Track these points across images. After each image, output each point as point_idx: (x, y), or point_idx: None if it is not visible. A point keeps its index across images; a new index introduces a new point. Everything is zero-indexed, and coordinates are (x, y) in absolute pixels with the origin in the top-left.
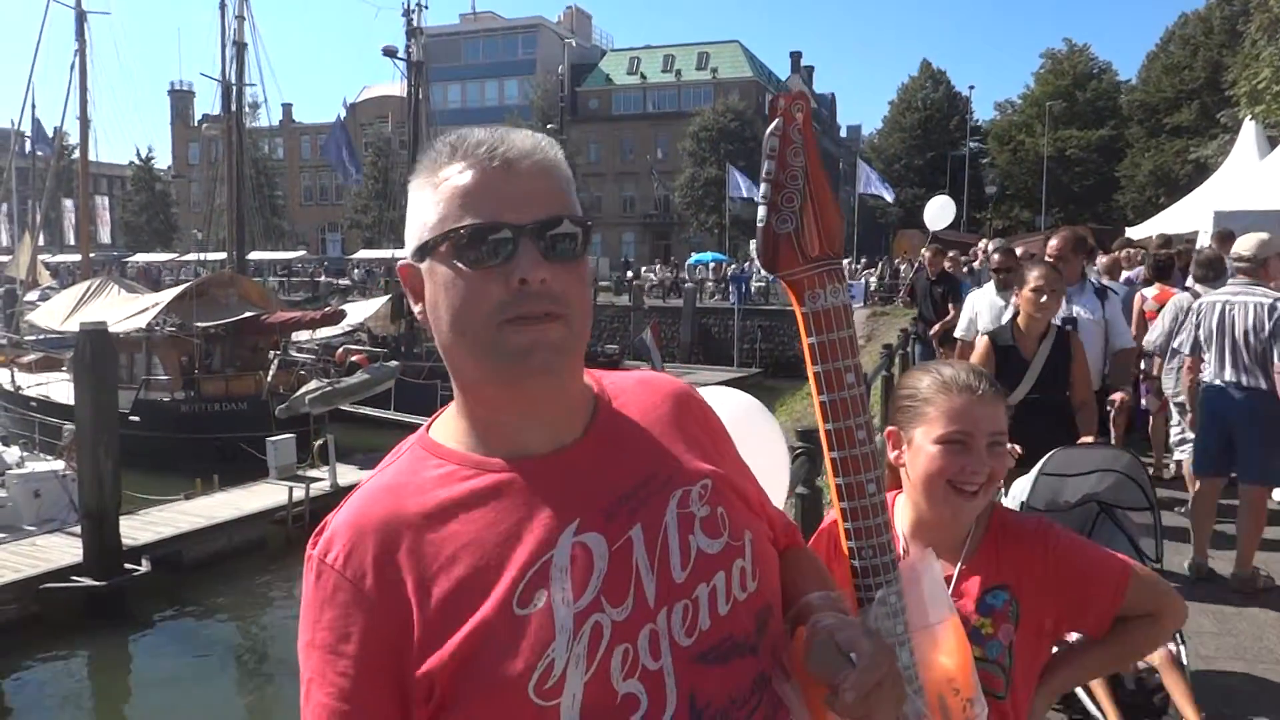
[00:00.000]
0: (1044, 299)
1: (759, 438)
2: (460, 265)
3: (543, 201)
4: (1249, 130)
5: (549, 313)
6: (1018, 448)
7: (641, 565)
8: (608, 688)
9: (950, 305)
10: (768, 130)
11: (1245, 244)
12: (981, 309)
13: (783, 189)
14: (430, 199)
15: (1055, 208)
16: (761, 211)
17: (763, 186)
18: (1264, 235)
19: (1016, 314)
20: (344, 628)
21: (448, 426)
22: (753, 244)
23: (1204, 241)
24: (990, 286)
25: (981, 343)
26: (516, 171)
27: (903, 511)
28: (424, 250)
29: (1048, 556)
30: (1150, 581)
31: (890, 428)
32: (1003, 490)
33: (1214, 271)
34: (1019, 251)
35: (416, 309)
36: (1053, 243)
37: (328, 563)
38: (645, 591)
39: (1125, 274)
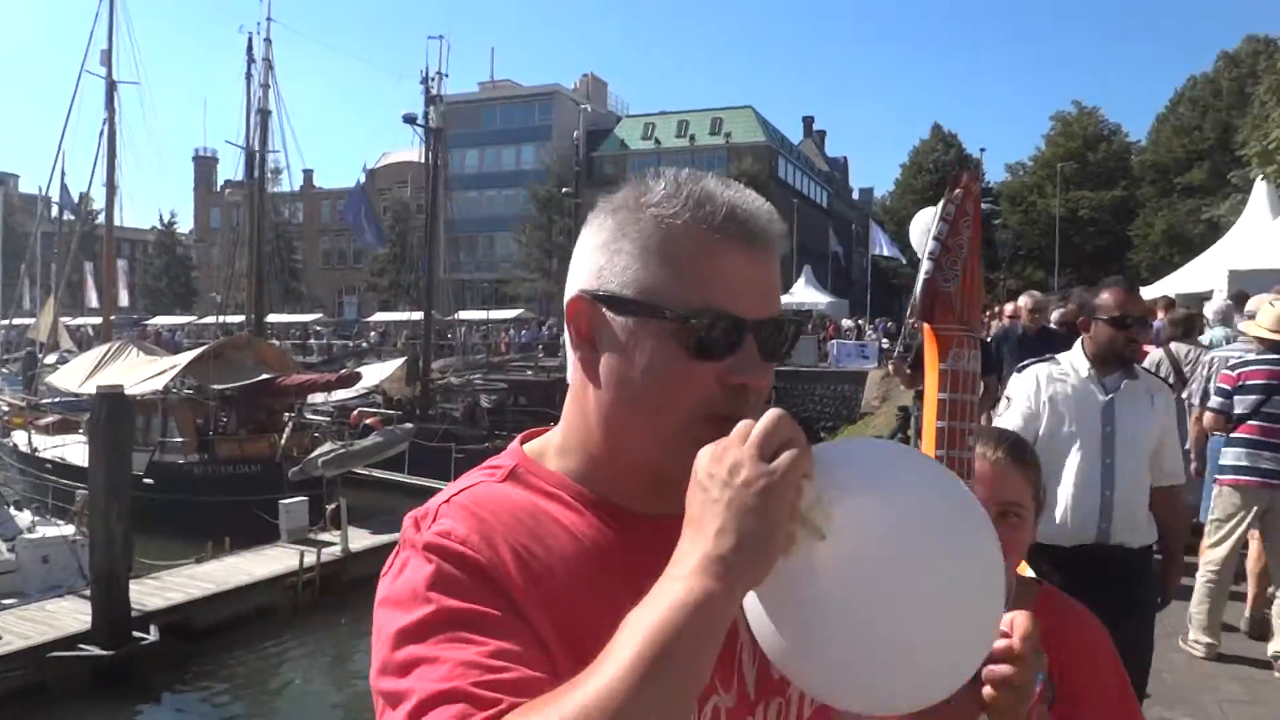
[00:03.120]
0: None
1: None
2: (675, 346)
3: (776, 291)
4: (1260, 190)
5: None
6: None
7: (745, 653)
8: None
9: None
10: (948, 195)
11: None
12: (1026, 390)
13: (950, 253)
14: (636, 241)
15: (1069, 267)
16: (927, 265)
17: (932, 244)
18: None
19: None
20: (481, 607)
21: (552, 457)
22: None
23: (1219, 301)
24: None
25: None
26: (758, 248)
27: None
28: (620, 304)
29: (1087, 645)
30: None
31: None
32: None
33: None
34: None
35: (574, 353)
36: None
37: (450, 542)
38: (746, 681)
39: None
